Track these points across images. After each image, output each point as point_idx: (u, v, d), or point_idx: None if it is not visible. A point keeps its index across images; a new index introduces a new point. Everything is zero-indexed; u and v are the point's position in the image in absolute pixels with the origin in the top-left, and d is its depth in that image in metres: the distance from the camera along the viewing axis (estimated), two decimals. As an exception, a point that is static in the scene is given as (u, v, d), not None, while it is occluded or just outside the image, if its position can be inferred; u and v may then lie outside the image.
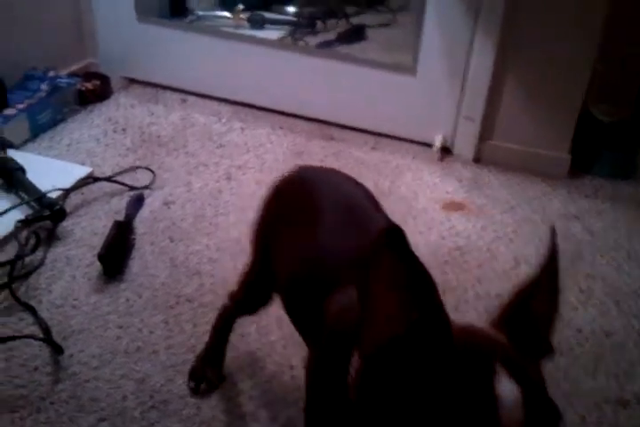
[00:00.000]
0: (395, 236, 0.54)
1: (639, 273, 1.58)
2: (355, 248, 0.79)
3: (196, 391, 1.20)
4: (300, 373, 1.13)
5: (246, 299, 1.13)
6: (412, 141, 2.02)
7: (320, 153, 1.94)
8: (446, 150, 1.99)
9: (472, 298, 1.45)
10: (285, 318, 1.35)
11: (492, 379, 0.54)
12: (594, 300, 1.48)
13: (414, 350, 0.55)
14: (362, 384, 0.60)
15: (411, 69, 1.98)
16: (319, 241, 0.87)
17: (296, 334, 1.32)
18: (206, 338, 1.31)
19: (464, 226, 1.69)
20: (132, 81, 2.25)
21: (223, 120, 2.07)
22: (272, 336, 1.32)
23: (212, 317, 1.36)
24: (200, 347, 1.29)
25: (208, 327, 1.34)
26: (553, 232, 0.64)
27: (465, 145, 1.98)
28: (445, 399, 0.53)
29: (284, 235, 0.94)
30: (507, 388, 0.54)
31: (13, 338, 1.27)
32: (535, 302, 0.62)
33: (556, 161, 1.94)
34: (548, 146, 1.93)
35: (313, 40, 2.42)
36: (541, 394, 0.57)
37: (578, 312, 1.43)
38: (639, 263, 1.61)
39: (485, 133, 1.96)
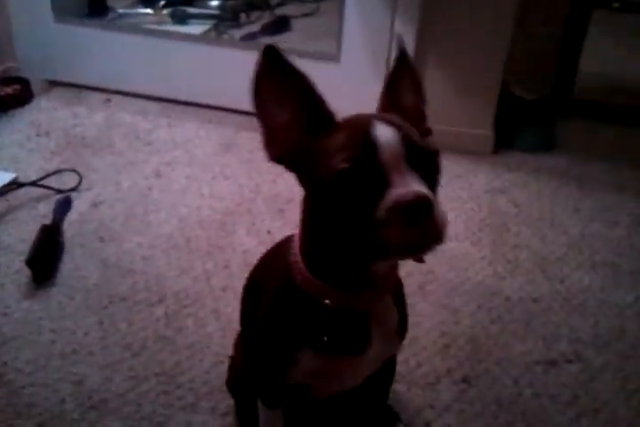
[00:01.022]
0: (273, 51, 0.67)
1: (562, 241, 1.64)
2: None
3: None
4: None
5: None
6: (340, 128, 2.04)
7: (249, 145, 1.94)
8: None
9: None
10: (222, 309, 1.37)
11: (369, 126, 0.65)
12: (521, 269, 1.53)
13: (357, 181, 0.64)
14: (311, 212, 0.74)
15: (334, 57, 2.00)
16: None
17: (234, 324, 1.33)
18: (142, 334, 1.31)
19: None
20: (54, 83, 2.20)
21: (149, 118, 2.05)
22: (209, 328, 1.33)
23: (146, 313, 1.36)
24: (137, 344, 1.28)
25: (143, 324, 1.33)
26: (400, 39, 0.80)
27: (391, 128, 2.02)
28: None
29: None
30: (382, 129, 0.65)
31: (-59, 351, 1.24)
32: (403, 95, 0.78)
33: (480, 139, 1.99)
34: (471, 125, 1.99)
35: (237, 33, 2.42)
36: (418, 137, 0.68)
37: (506, 282, 1.48)
38: (562, 231, 1.68)
39: (411, 116, 2.00)
